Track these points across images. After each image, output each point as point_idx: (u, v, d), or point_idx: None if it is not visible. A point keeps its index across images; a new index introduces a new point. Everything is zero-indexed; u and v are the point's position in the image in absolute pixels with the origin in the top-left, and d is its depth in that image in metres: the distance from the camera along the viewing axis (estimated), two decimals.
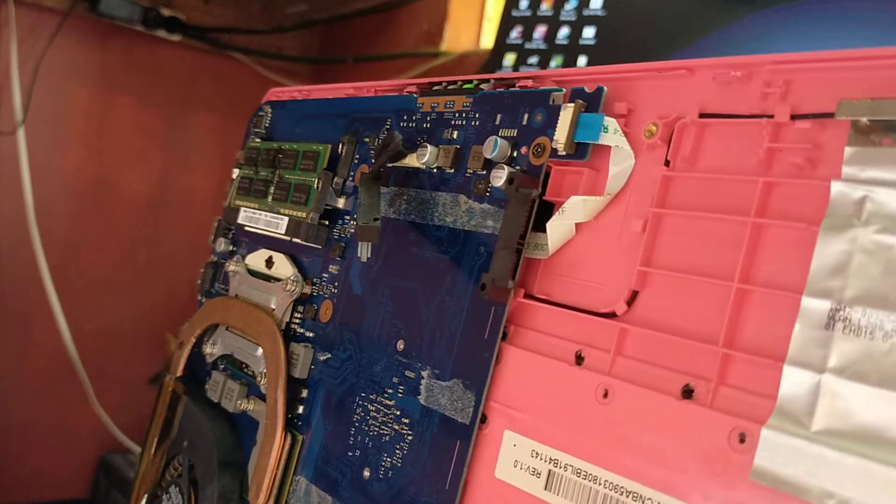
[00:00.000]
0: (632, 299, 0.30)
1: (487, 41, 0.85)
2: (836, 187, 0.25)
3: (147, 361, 0.56)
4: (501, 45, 0.68)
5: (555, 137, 0.32)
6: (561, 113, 0.32)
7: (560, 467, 0.30)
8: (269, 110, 0.53)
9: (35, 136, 0.59)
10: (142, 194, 0.67)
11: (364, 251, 0.38)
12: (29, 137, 0.59)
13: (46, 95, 0.61)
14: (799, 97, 0.27)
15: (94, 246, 0.62)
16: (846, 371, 0.23)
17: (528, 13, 0.66)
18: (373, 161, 0.42)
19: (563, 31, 0.62)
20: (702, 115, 0.29)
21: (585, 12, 0.61)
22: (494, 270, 0.32)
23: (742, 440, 0.25)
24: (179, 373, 0.52)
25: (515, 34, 0.66)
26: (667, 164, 0.30)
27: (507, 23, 0.68)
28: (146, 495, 0.51)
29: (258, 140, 0.52)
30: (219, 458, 0.46)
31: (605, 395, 0.29)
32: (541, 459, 0.31)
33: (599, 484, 0.28)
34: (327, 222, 0.44)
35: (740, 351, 0.26)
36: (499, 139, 0.34)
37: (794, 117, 0.26)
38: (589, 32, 0.60)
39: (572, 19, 0.62)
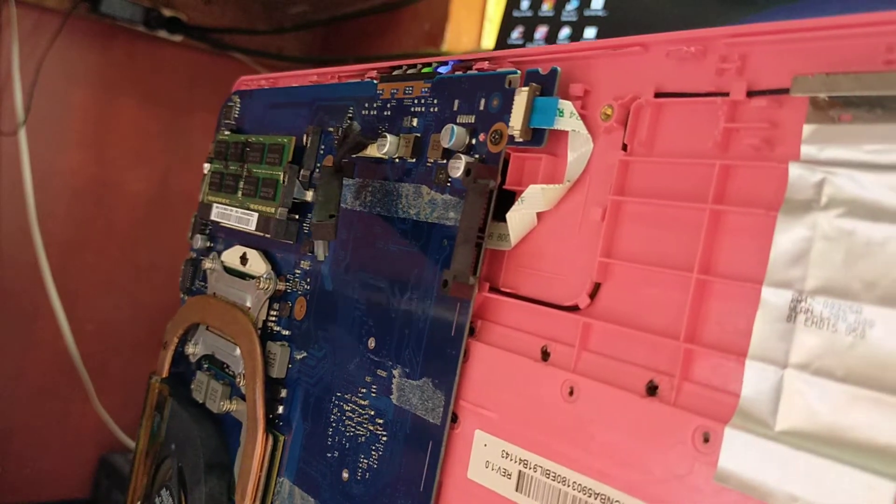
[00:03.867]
0: (594, 292, 0.28)
1: (488, 42, 0.84)
2: (794, 169, 0.23)
3: (148, 361, 0.56)
4: (502, 45, 0.66)
5: (510, 124, 0.31)
6: (515, 98, 0.31)
7: (530, 468, 0.29)
8: (238, 100, 0.52)
9: (36, 136, 0.59)
10: (142, 194, 0.66)
11: (320, 249, 0.36)
12: (30, 138, 0.58)
13: (48, 96, 0.60)
14: (756, 73, 0.25)
15: (95, 246, 0.61)
16: (809, 366, 0.22)
17: (529, 13, 0.64)
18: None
19: (565, 32, 0.60)
20: (657, 95, 0.27)
21: (587, 13, 0.60)
22: (455, 266, 0.31)
23: (706, 440, 0.24)
24: (165, 374, 0.52)
25: (516, 35, 0.65)
26: (624, 148, 0.28)
27: (508, 23, 0.66)
28: (139, 500, 0.51)
29: (227, 132, 0.51)
30: (205, 460, 0.45)
31: (571, 393, 0.28)
32: (511, 460, 0.30)
33: (568, 486, 0.27)
34: (297, 216, 0.43)
35: (703, 345, 0.25)
36: (455, 127, 0.33)
37: (750, 94, 0.25)
38: (590, 33, 0.59)
39: (573, 20, 0.60)
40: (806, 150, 0.23)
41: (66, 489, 0.58)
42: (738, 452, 0.23)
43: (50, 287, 0.56)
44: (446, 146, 0.33)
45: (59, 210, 0.60)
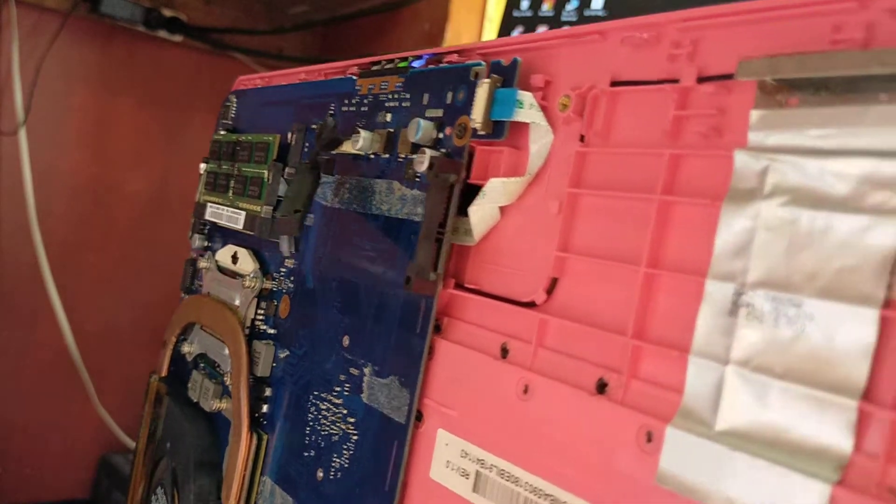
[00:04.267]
0: (551, 287, 0.28)
1: None
2: (740, 157, 0.22)
3: (148, 361, 0.56)
4: None
5: (472, 116, 0.30)
6: (477, 90, 0.30)
7: (486, 468, 0.28)
8: (234, 100, 0.52)
9: (36, 136, 0.59)
10: (142, 194, 0.66)
11: (285, 244, 0.36)
12: (30, 138, 0.58)
13: (48, 96, 0.60)
14: (706, 58, 0.24)
15: (95, 246, 0.62)
16: (750, 363, 0.21)
17: (529, 13, 0.63)
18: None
19: None
20: (613, 84, 0.27)
21: (586, 13, 0.59)
22: (417, 262, 0.31)
23: (649, 439, 0.23)
24: (164, 373, 0.52)
25: (516, 34, 0.64)
26: (582, 139, 0.27)
27: (508, 23, 0.66)
28: (139, 499, 0.51)
29: (223, 132, 0.51)
30: (195, 458, 0.45)
31: (526, 391, 0.27)
32: (470, 460, 0.29)
33: (521, 486, 0.27)
34: None
35: (651, 342, 0.24)
36: (422, 121, 0.32)
37: (700, 80, 0.24)
38: None
39: (573, 20, 0.59)
40: (753, 136, 0.22)
41: (65, 489, 0.59)
42: (679, 453, 0.22)
43: (50, 287, 0.56)
44: (413, 140, 0.33)
45: (59, 210, 0.60)
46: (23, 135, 0.58)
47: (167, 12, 0.66)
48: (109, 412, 0.57)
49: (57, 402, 0.58)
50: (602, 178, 0.27)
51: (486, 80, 0.30)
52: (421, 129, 0.32)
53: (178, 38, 0.66)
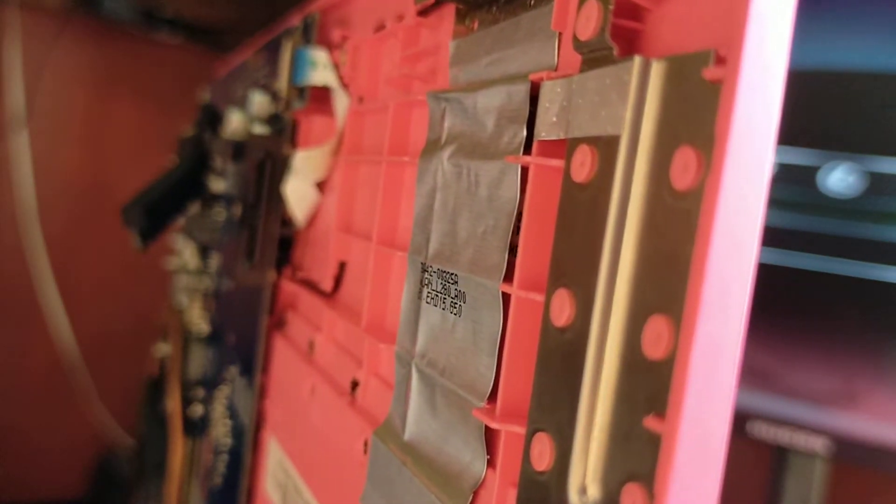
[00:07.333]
0: (340, 273, 0.24)
1: None
2: (429, 100, 0.18)
3: (147, 361, 0.56)
4: None
5: (277, 85, 0.27)
6: (282, 54, 0.27)
7: (290, 481, 0.25)
8: (206, 96, 0.51)
9: (37, 136, 0.59)
10: None
11: (135, 239, 0.34)
12: (31, 137, 0.58)
13: (48, 96, 0.60)
14: None
15: (95, 246, 0.62)
16: (425, 356, 0.17)
17: None
18: None
19: None
20: (377, 31, 0.23)
21: None
22: (239, 251, 0.28)
23: (365, 450, 0.19)
24: (156, 374, 0.52)
25: None
26: (361, 100, 0.24)
27: None
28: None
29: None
30: (151, 460, 0.44)
31: (312, 393, 0.24)
32: (283, 472, 0.26)
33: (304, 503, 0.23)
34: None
35: (384, 335, 0.20)
36: (257, 95, 0.29)
37: (420, 13, 0.19)
38: None
39: None
40: (452, 73, 0.18)
41: (64, 489, 0.59)
42: (376, 468, 0.18)
43: (50, 287, 0.57)
44: (252, 116, 0.30)
45: (59, 210, 0.60)
46: (23, 135, 0.58)
47: (167, 12, 0.64)
48: (109, 413, 0.57)
49: (55, 402, 0.59)
50: (375, 142, 0.23)
51: (289, 43, 0.26)
52: (254, 103, 0.29)
53: (177, 38, 0.65)
